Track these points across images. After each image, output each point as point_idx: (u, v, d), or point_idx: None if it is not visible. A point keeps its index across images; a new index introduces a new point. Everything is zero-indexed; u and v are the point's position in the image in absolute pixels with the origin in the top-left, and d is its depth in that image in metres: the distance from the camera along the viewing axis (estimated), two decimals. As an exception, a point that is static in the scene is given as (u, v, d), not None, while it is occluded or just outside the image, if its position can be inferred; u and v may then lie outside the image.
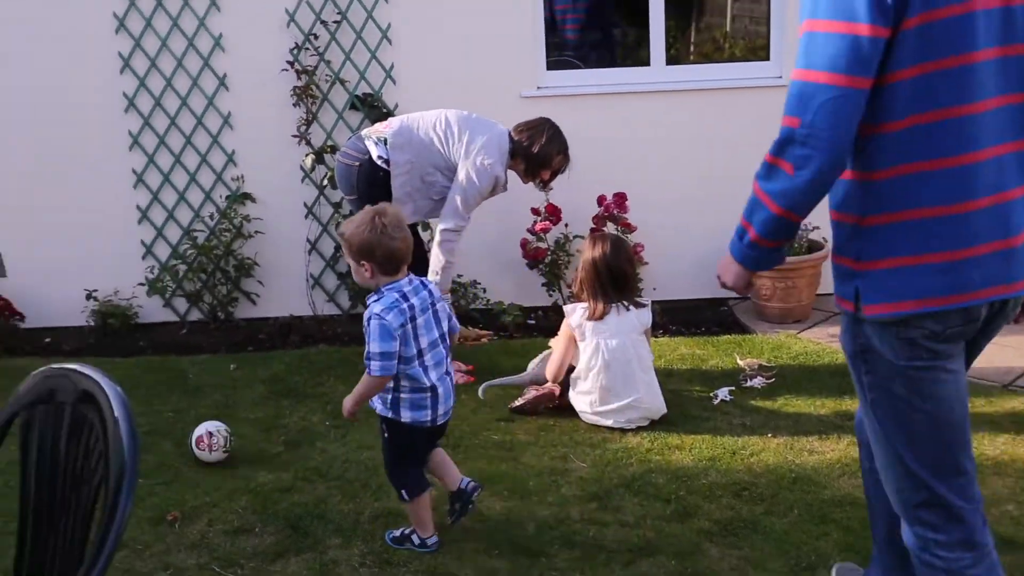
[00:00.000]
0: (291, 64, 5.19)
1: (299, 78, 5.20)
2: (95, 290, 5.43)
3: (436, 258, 4.30)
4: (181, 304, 5.53)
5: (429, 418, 3.03)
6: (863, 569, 2.75)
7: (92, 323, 5.42)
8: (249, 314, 5.54)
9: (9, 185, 5.39)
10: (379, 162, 4.26)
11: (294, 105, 5.24)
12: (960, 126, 1.92)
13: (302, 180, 5.38)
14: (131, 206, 5.43)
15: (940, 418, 2.07)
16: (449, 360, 3.11)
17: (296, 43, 5.19)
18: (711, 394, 4.22)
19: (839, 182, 2.04)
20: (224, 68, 5.27)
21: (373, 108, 5.25)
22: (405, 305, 2.92)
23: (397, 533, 3.16)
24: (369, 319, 2.90)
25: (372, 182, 4.27)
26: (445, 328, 3.10)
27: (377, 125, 4.41)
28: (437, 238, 4.29)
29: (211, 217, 5.43)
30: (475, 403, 4.24)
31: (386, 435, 3.09)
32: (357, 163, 4.30)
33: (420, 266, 4.50)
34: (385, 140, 4.26)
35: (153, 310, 5.53)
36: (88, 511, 1.67)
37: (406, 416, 3.01)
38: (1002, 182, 1.97)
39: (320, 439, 3.96)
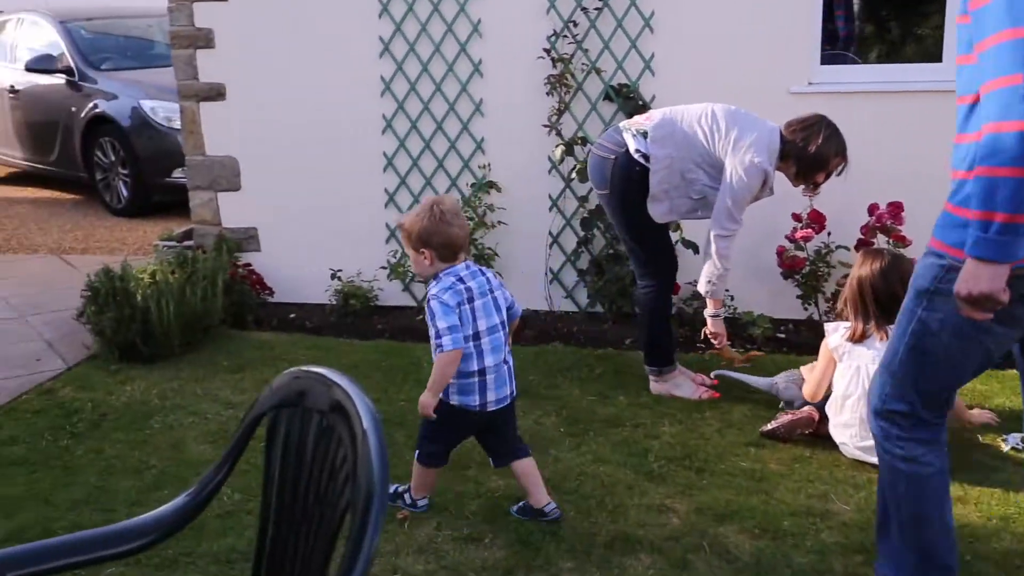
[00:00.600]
0: (547, 52, 5.01)
1: (554, 66, 5.01)
2: (339, 270, 5.49)
3: (710, 266, 3.99)
4: (419, 289, 5.50)
5: (477, 403, 3.06)
6: None
7: (334, 302, 5.49)
8: (485, 305, 5.45)
9: (265, 164, 5.55)
10: (636, 156, 3.99)
11: (547, 94, 5.07)
12: None
13: (549, 171, 5.21)
14: (379, 189, 5.45)
15: (964, 368, 2.36)
16: (508, 348, 3.15)
17: (554, 30, 5.00)
18: (999, 439, 3.69)
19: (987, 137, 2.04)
20: (480, 54, 5.17)
21: (628, 99, 4.99)
22: (462, 287, 3.01)
23: (391, 489, 3.15)
24: (428, 301, 3.02)
25: (627, 176, 4.01)
26: (504, 317, 3.14)
27: (637, 117, 4.14)
28: (712, 246, 3.97)
29: (456, 204, 5.37)
30: (721, 423, 3.91)
31: (432, 418, 3.07)
32: (613, 156, 4.05)
33: (667, 269, 4.21)
34: (645, 133, 3.98)
35: (393, 293, 5.54)
36: (334, 530, 1.50)
37: (454, 399, 3.06)
38: None
39: (553, 446, 3.76)
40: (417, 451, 3.22)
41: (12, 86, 9.23)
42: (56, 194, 9.39)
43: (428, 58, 5.22)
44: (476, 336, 3.02)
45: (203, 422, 4.05)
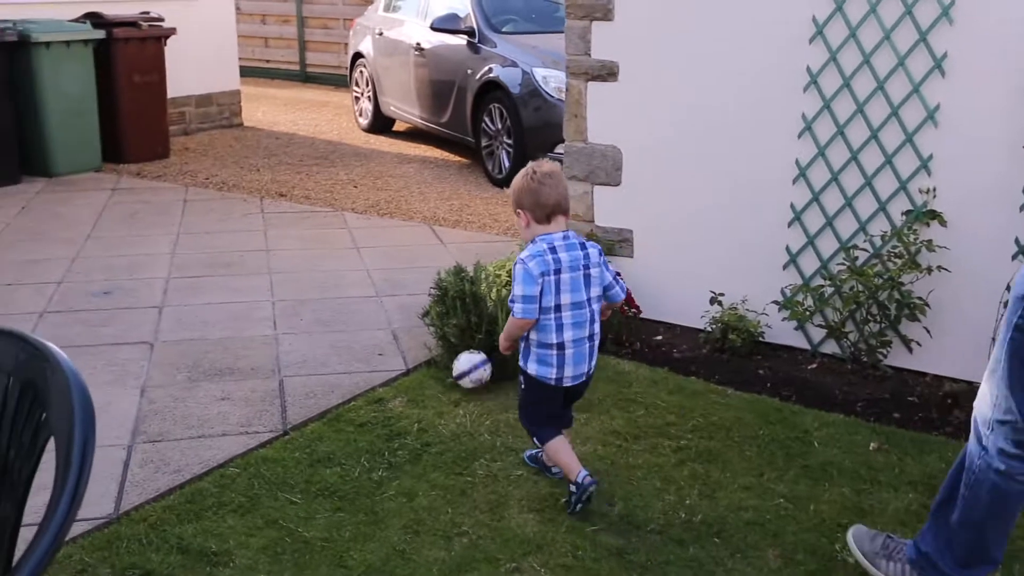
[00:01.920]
0: (1044, 47, 3.69)
1: (1052, 68, 3.68)
2: (721, 294, 4.56)
3: None
4: (815, 331, 4.44)
5: (553, 376, 3.11)
6: (882, 533, 2.83)
7: (710, 330, 4.58)
8: (901, 362, 4.27)
9: (651, 159, 4.73)
10: None
11: (1034, 105, 3.76)
12: None
13: (1022, 208, 3.89)
14: (784, 204, 4.43)
15: None
16: (596, 327, 3.15)
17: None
18: None
19: None
20: (944, 46, 3.95)
21: None
22: (550, 257, 3.04)
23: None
24: (515, 264, 3.08)
25: None
26: (596, 295, 3.14)
27: None
28: None
29: (881, 236, 4.21)
30: None
31: (522, 385, 3.22)
32: None
33: None
34: None
35: (783, 331, 4.52)
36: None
37: (532, 368, 3.14)
38: None
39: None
40: (531, 437, 3.28)
41: (419, 44, 9.21)
42: (445, 155, 9.29)
43: (872, 49, 4.09)
44: (557, 308, 3.06)
45: (532, 481, 3.35)
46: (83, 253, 5.83)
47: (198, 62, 9.72)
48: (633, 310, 4.69)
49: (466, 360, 4.01)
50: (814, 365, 4.39)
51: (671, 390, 4.10)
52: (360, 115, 10.47)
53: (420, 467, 3.42)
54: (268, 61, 14.68)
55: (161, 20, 8.64)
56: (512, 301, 3.07)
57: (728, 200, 4.55)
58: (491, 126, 8.11)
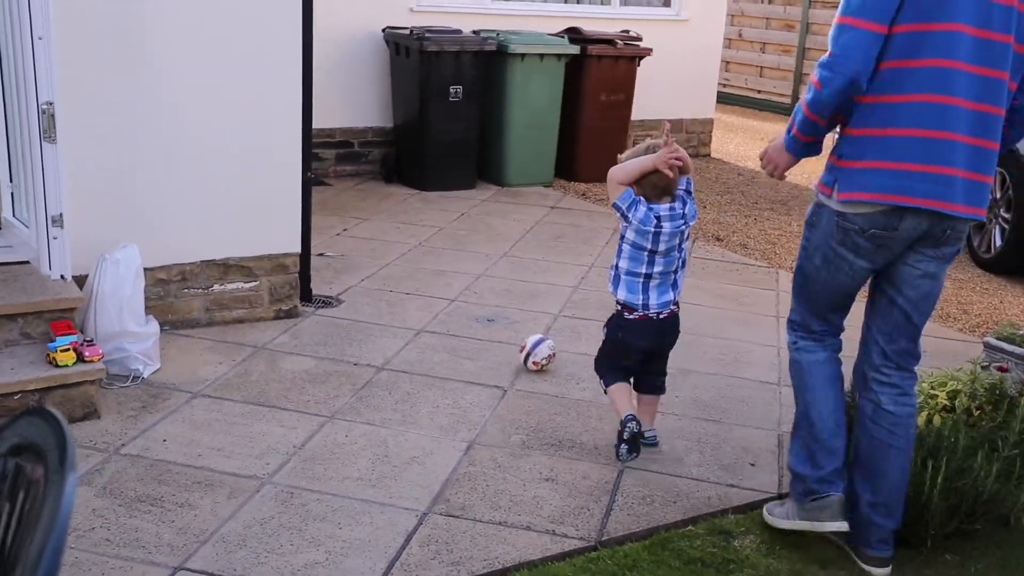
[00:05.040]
0: None
1: None
2: None
3: None
4: None
5: (640, 301, 3.43)
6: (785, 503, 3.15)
7: None
8: None
9: None
10: None
11: None
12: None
13: None
14: None
15: (832, 287, 2.94)
16: (682, 266, 3.46)
17: None
18: None
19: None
20: None
21: None
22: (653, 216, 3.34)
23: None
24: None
25: None
26: (682, 243, 3.42)
27: None
28: None
29: None
30: None
31: (606, 327, 3.58)
32: None
33: None
34: None
35: None
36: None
37: (621, 295, 3.45)
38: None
39: None
40: (602, 382, 3.59)
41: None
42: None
43: None
44: (652, 252, 3.37)
45: None
46: (491, 271, 5.62)
47: (674, 86, 9.31)
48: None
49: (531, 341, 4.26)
50: None
51: None
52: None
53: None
54: (759, 91, 13.97)
55: (639, 39, 8.33)
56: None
57: None
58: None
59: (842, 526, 2.92)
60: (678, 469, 3.49)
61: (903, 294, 2.86)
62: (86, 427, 3.44)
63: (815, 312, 3.01)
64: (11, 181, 3.77)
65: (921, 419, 3.26)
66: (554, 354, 4.25)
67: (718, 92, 10.06)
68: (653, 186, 3.31)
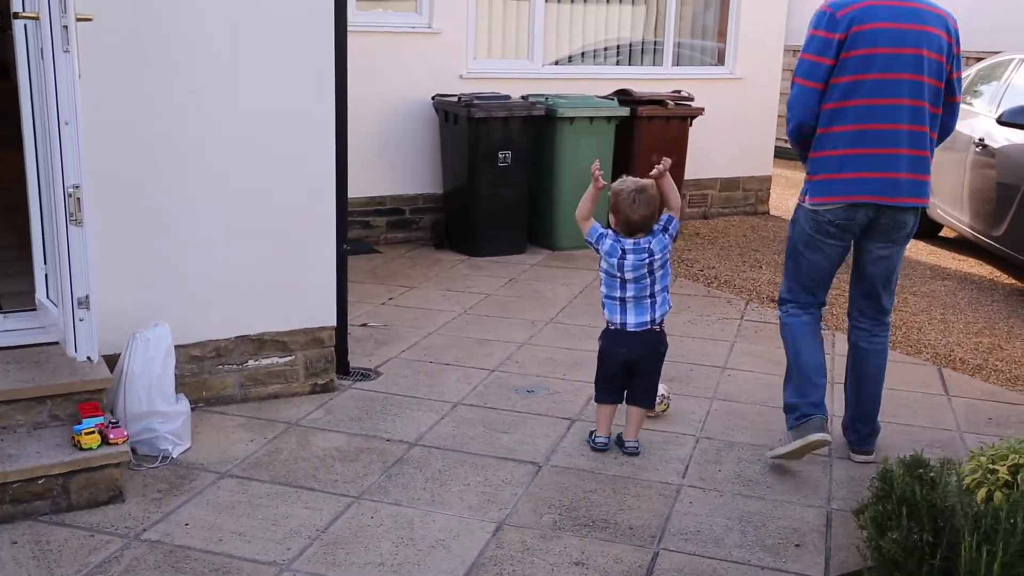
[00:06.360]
0: None
1: None
2: None
3: None
4: None
5: (619, 321, 3.92)
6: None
7: None
8: None
9: None
10: None
11: None
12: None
13: None
14: None
15: (813, 267, 3.93)
16: (659, 287, 3.90)
17: None
18: None
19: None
20: None
21: None
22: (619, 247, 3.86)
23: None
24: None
25: None
26: (650, 271, 3.85)
27: None
28: None
29: None
30: None
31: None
32: None
33: None
34: None
35: None
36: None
37: (605, 313, 4.00)
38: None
39: None
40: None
41: (981, 139, 7.67)
42: (995, 275, 7.61)
43: None
44: (623, 280, 3.86)
45: None
46: (535, 339, 5.51)
47: (730, 144, 9.19)
48: None
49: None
50: None
51: None
52: (902, 214, 9.08)
53: None
54: (823, 145, 13.71)
55: (691, 99, 8.25)
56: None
57: None
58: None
59: (825, 437, 3.76)
60: (717, 551, 3.31)
61: (868, 270, 3.94)
62: (109, 511, 3.41)
63: (803, 287, 3.96)
64: (44, 263, 3.81)
65: (980, 495, 3.04)
66: (666, 395, 4.43)
67: (776, 147, 9.89)
68: (623, 224, 3.84)
